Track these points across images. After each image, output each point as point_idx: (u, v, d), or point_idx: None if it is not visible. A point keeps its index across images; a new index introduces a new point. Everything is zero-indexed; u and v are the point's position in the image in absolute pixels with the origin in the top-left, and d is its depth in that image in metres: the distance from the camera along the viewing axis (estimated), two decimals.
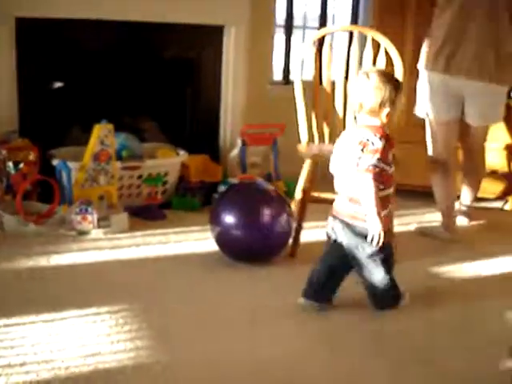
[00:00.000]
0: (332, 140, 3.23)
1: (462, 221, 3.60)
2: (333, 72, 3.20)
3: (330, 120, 3.22)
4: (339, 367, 2.13)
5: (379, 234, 2.26)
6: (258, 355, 2.16)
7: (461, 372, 2.13)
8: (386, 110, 2.31)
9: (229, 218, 2.79)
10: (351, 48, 3.20)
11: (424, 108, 3.32)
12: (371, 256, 2.36)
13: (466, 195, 3.59)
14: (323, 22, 4.57)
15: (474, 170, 3.53)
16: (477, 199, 3.63)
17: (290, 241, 2.98)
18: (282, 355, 2.16)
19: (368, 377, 2.08)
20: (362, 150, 2.27)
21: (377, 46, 3.20)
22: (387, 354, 2.23)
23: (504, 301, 2.70)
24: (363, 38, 3.29)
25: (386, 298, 2.48)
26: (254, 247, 2.81)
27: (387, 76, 2.34)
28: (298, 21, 4.59)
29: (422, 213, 3.76)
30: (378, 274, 2.40)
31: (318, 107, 3.20)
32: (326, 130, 3.23)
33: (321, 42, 3.25)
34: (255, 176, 3.56)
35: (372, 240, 2.28)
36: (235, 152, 3.91)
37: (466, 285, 2.87)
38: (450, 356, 2.23)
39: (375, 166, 2.25)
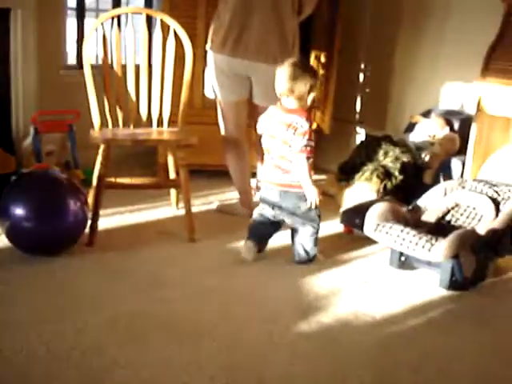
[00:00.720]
0: (126, 124, 3.21)
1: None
2: (125, 55, 3.16)
3: (123, 104, 3.18)
4: None
5: (316, 198, 2.78)
6: (55, 350, 2.10)
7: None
8: (312, 94, 2.80)
9: (18, 211, 2.66)
10: (142, 31, 3.18)
11: (213, 89, 3.39)
12: (306, 213, 2.84)
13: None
14: (116, 4, 4.48)
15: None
16: None
17: (87, 229, 2.91)
18: (90, 344, 2.13)
19: None
20: (294, 133, 2.74)
21: (167, 28, 3.21)
22: None
23: (292, 271, 2.87)
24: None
25: (308, 254, 2.91)
26: (47, 238, 2.71)
27: (310, 66, 2.92)
28: (90, 3, 4.47)
29: (222, 191, 3.86)
30: (308, 231, 2.88)
31: (109, 91, 3.15)
32: (120, 114, 3.19)
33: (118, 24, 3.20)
34: (51, 165, 3.43)
35: (308, 201, 2.81)
36: (29, 141, 3.73)
37: (261, 257, 2.97)
38: (246, 325, 2.33)
39: (307, 146, 2.75)
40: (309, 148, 2.75)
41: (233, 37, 3.24)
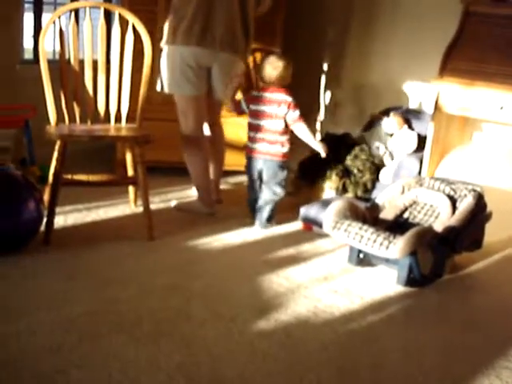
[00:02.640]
0: (83, 120, 3.16)
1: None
2: (82, 50, 3.11)
3: (80, 99, 3.13)
4: None
5: (324, 151, 3.34)
6: (9, 351, 2.06)
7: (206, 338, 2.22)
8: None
9: None
10: (100, 25, 3.12)
11: (172, 85, 3.33)
12: (281, 180, 3.34)
13: (213, 169, 3.65)
14: None
15: (217, 143, 3.63)
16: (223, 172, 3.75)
17: (43, 227, 2.85)
18: (45, 344, 2.08)
19: None
20: (288, 108, 3.23)
21: (126, 23, 3.17)
22: None
23: (251, 269, 2.85)
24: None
25: (271, 216, 3.39)
26: (1, 237, 2.64)
27: None
28: None
29: (181, 189, 3.83)
30: (279, 193, 3.35)
31: (66, 86, 3.09)
32: (77, 110, 3.13)
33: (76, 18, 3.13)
34: (6, 162, 3.36)
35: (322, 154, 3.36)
36: None
37: (220, 255, 2.98)
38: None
39: (300, 115, 3.26)
40: (302, 116, 3.26)
41: (199, 27, 3.20)
